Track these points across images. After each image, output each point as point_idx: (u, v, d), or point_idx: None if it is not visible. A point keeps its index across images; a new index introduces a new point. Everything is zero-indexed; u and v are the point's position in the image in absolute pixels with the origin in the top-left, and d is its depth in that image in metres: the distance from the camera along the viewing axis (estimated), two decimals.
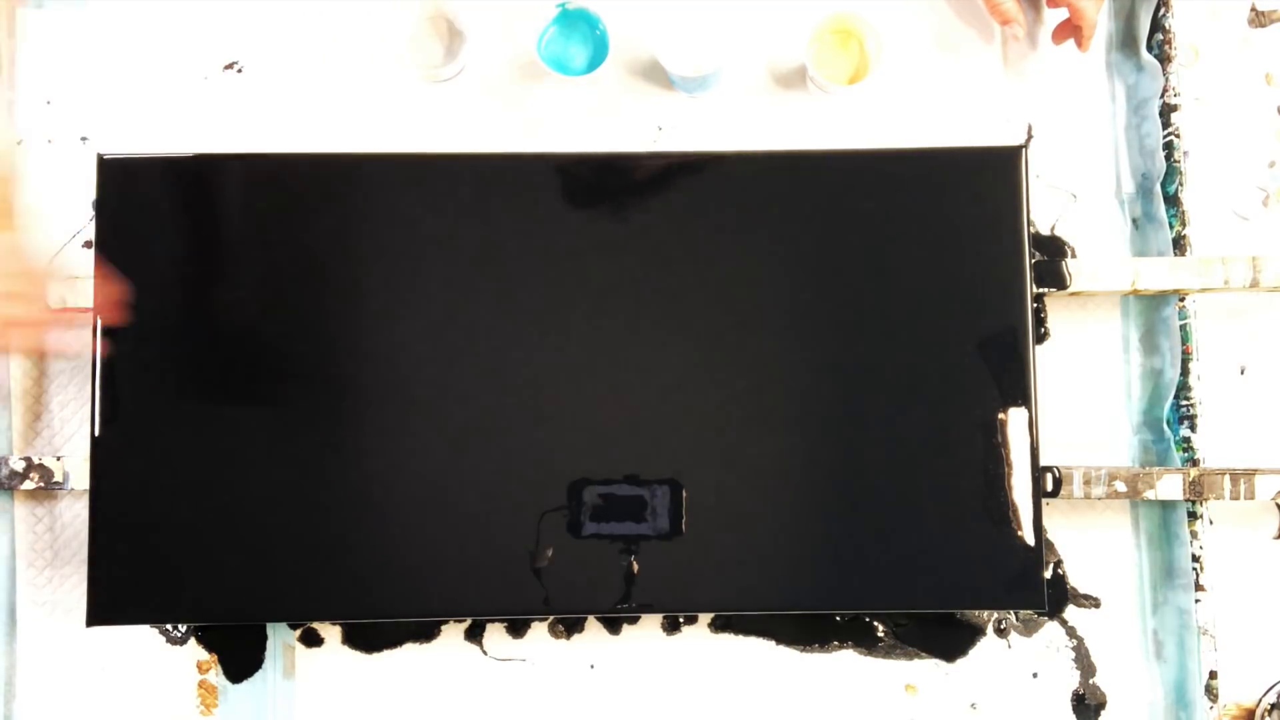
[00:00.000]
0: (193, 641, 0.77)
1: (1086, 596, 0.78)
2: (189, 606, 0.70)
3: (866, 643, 0.78)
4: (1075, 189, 0.81)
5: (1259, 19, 0.83)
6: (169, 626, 0.77)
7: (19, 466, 0.74)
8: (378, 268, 0.71)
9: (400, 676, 0.77)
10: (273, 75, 0.82)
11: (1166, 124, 0.79)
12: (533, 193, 0.71)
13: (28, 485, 0.74)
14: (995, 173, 0.72)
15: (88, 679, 0.78)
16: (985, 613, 0.77)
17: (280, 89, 0.81)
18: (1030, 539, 0.70)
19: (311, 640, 0.77)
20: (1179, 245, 0.78)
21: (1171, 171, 0.78)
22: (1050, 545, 0.78)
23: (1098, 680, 0.78)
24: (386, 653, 0.77)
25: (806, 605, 0.71)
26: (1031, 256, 0.71)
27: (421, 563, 0.69)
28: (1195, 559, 0.75)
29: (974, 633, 0.78)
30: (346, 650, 0.77)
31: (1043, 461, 0.76)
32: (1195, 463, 0.76)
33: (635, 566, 0.69)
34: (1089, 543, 0.78)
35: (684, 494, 0.70)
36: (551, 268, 0.71)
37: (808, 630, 0.77)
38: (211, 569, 0.69)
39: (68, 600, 0.78)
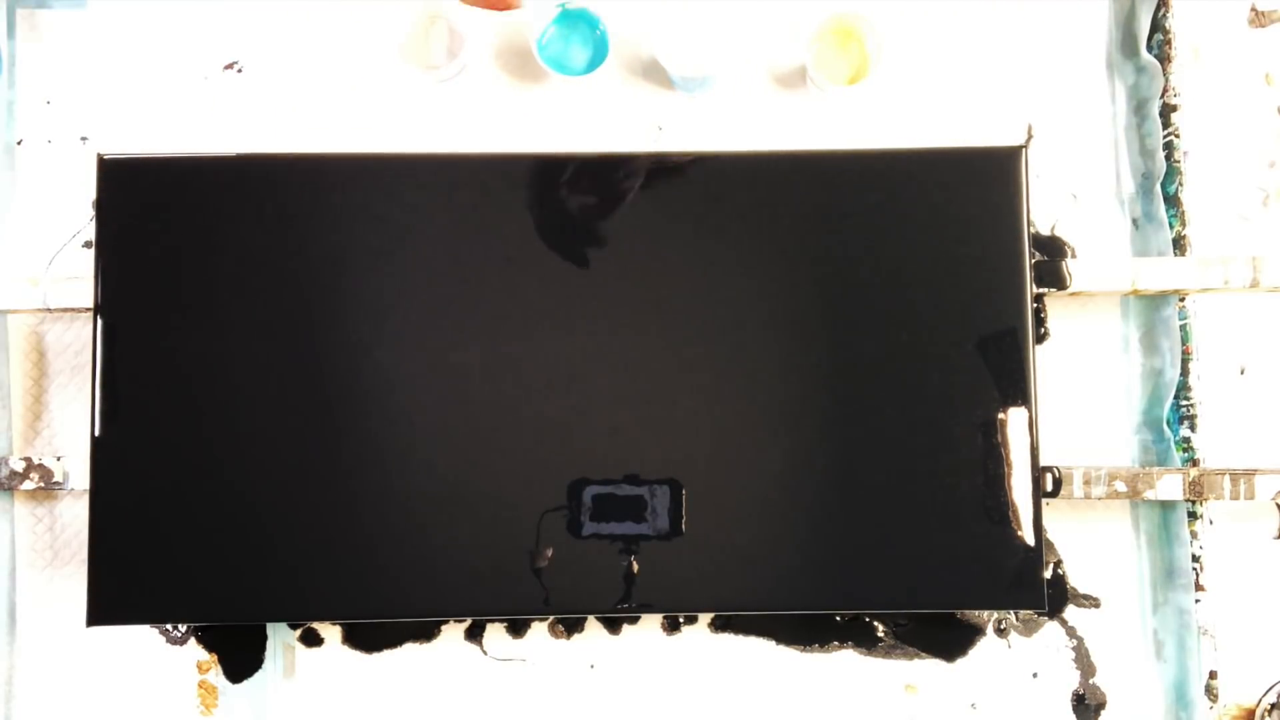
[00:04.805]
0: (193, 641, 0.77)
1: (1086, 596, 0.78)
2: (189, 606, 0.70)
3: (866, 643, 0.78)
4: (1075, 189, 0.81)
5: (1259, 19, 0.83)
6: (169, 626, 0.77)
7: (19, 466, 0.74)
8: (376, 267, 0.71)
9: (400, 676, 0.77)
10: (273, 75, 0.82)
11: (1166, 124, 0.79)
12: (533, 192, 0.71)
13: (28, 485, 0.74)
14: (995, 173, 0.72)
15: (88, 679, 0.78)
16: (985, 613, 0.77)
17: (280, 89, 0.81)
18: (1030, 539, 0.70)
19: (311, 640, 0.77)
20: (1179, 245, 0.78)
21: (1171, 171, 0.78)
22: (1050, 545, 0.78)
23: (1098, 680, 0.78)
24: (386, 652, 0.77)
25: (806, 605, 0.71)
26: (1031, 256, 0.71)
27: (421, 562, 0.69)
28: (1195, 559, 0.75)
29: (974, 633, 0.78)
30: (346, 650, 0.77)
31: (1043, 461, 0.76)
32: (1195, 463, 0.76)
33: (635, 566, 0.69)
34: (1089, 543, 0.78)
35: (684, 494, 0.70)
36: (551, 267, 0.71)
37: (808, 630, 0.77)
38: (211, 569, 0.69)
39: (68, 600, 0.78)
